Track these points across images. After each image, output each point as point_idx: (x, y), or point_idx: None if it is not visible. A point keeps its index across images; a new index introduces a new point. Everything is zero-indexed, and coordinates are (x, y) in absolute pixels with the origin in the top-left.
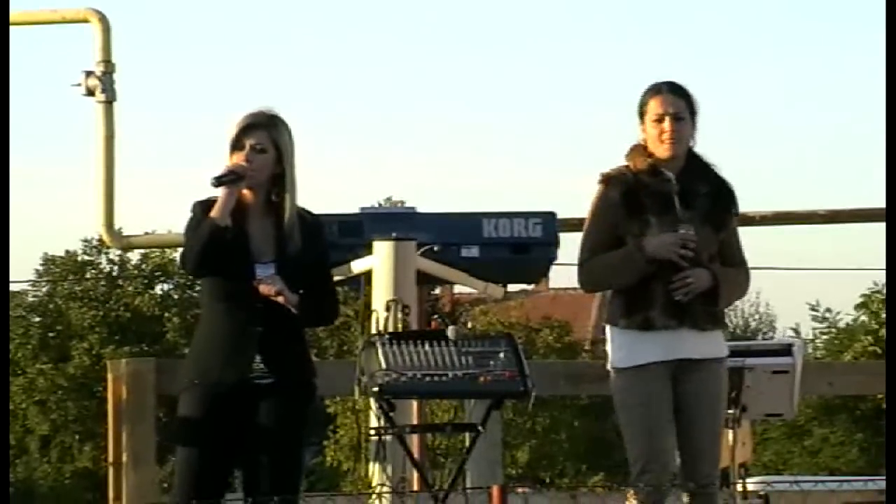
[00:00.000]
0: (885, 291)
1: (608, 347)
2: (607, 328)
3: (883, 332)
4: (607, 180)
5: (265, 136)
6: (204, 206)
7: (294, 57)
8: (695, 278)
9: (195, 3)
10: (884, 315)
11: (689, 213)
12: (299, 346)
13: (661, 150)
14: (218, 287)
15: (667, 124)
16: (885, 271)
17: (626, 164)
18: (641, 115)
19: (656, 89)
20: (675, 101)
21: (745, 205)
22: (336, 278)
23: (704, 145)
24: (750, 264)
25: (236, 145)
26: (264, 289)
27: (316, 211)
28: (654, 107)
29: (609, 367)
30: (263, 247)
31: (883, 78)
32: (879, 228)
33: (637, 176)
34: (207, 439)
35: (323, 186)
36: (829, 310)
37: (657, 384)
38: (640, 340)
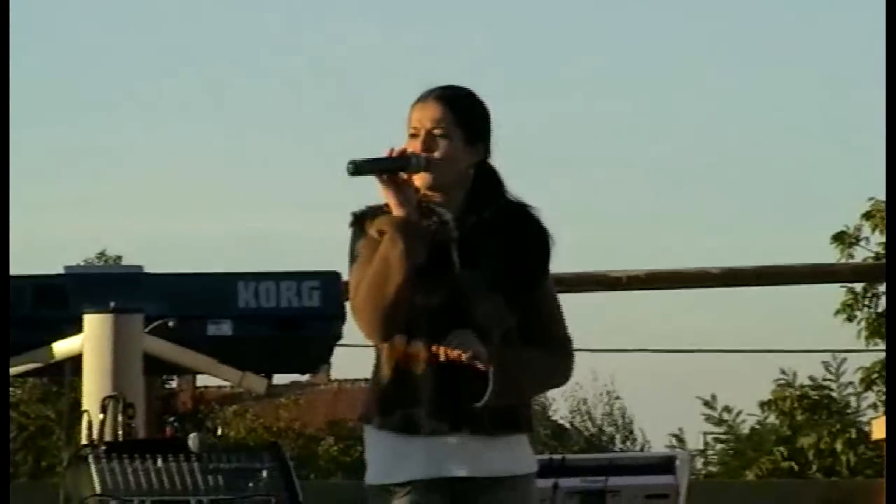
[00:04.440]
0: (797, 382)
1: (366, 455)
2: (364, 429)
3: (800, 441)
4: (358, 221)
5: None
6: None
7: None
8: (459, 340)
9: None
10: (799, 417)
11: (471, 272)
12: None
13: (417, 178)
14: None
15: (418, 143)
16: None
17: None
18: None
19: (421, 97)
20: (437, 112)
21: (609, 262)
22: (31, 366)
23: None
24: (605, 344)
25: None
26: None
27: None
28: (412, 120)
29: (365, 483)
30: None
31: None
32: (793, 292)
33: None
34: None
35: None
36: (727, 409)
37: None
38: (400, 447)
